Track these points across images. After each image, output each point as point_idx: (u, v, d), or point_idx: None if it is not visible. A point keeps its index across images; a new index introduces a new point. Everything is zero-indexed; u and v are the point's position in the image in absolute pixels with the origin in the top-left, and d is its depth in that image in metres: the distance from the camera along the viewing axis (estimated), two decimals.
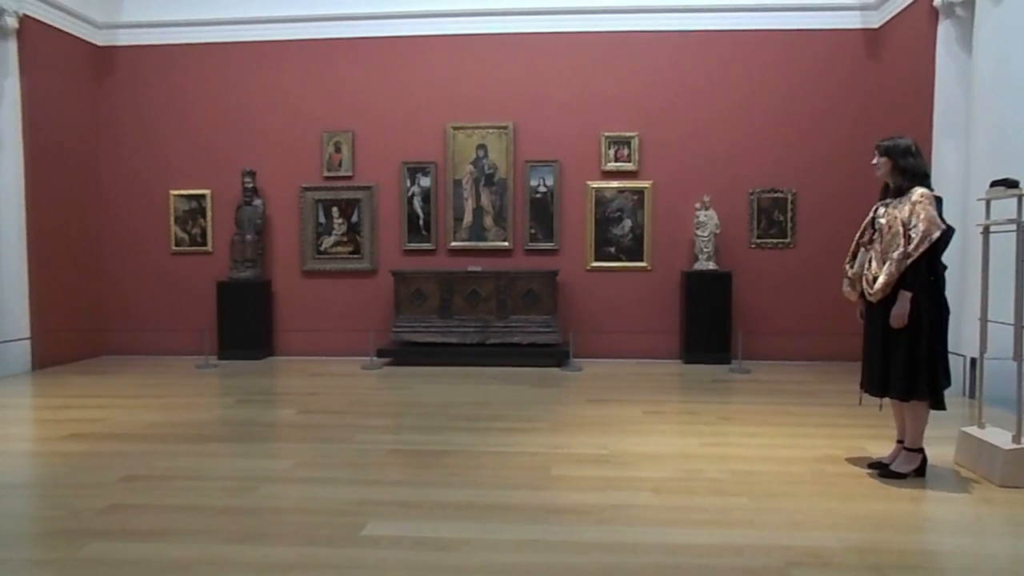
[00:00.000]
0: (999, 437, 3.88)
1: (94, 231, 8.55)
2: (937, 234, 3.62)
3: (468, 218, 8.27)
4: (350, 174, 8.37)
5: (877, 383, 3.90)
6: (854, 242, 4.05)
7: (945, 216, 3.74)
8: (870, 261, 3.89)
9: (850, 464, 4.13)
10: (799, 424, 5.15)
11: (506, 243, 8.24)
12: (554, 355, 7.61)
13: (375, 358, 7.73)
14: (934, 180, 3.93)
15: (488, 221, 8.26)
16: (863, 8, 7.81)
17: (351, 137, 8.35)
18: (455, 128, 8.22)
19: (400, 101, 8.27)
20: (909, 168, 3.80)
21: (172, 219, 8.56)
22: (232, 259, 8.27)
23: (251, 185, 8.26)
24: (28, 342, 7.52)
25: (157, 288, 8.59)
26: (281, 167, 8.40)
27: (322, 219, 8.42)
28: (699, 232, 7.78)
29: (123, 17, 8.50)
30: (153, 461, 4.26)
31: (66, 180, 8.07)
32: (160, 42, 8.47)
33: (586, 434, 4.86)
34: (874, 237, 3.89)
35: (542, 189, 8.20)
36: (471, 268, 7.96)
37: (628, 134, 8.07)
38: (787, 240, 8.01)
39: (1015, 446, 3.74)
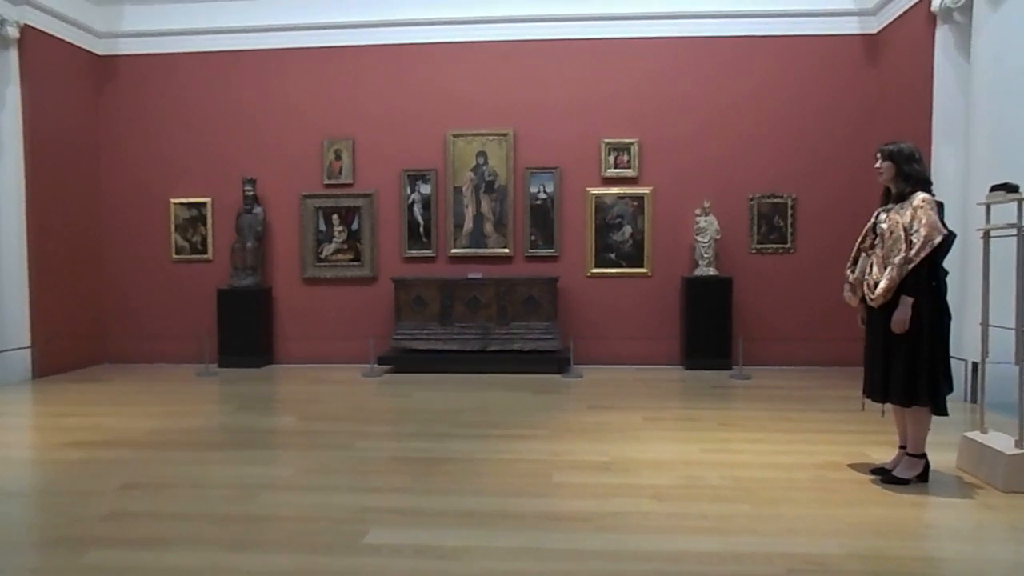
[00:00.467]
0: (1002, 442, 3.87)
1: (94, 239, 8.56)
2: (938, 239, 3.62)
3: (468, 225, 8.27)
4: (350, 181, 8.38)
5: (879, 389, 3.89)
6: (855, 247, 4.05)
7: (946, 221, 3.75)
8: (871, 266, 3.88)
9: (852, 470, 4.12)
10: (800, 430, 5.14)
11: (506, 250, 8.24)
12: (555, 361, 7.60)
13: (375, 365, 7.72)
14: (934, 185, 3.92)
15: (488, 228, 8.26)
16: (861, 14, 7.83)
17: (351, 144, 8.36)
18: (455, 135, 8.23)
19: (400, 108, 8.29)
20: (912, 174, 3.80)
21: (172, 227, 8.56)
22: (232, 266, 8.27)
23: (251, 193, 8.26)
24: (28, 350, 7.51)
25: (158, 296, 8.59)
26: (281, 175, 8.41)
27: (322, 226, 8.43)
28: (699, 238, 7.78)
29: (124, 26, 8.52)
30: (153, 469, 4.25)
31: (66, 188, 8.08)
32: (160, 51, 8.49)
33: (587, 441, 4.84)
34: (875, 242, 3.89)
35: (542, 196, 8.21)
36: (471, 275, 7.95)
37: (628, 140, 8.08)
38: (787, 245, 8.01)
39: (1018, 451, 3.73)
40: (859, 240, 4.03)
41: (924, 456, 3.87)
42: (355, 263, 8.41)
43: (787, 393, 6.55)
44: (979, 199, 4.17)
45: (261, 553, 3.03)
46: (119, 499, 3.72)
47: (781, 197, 8.00)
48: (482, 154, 8.23)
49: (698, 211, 7.82)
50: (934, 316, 3.72)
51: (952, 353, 3.91)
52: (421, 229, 8.32)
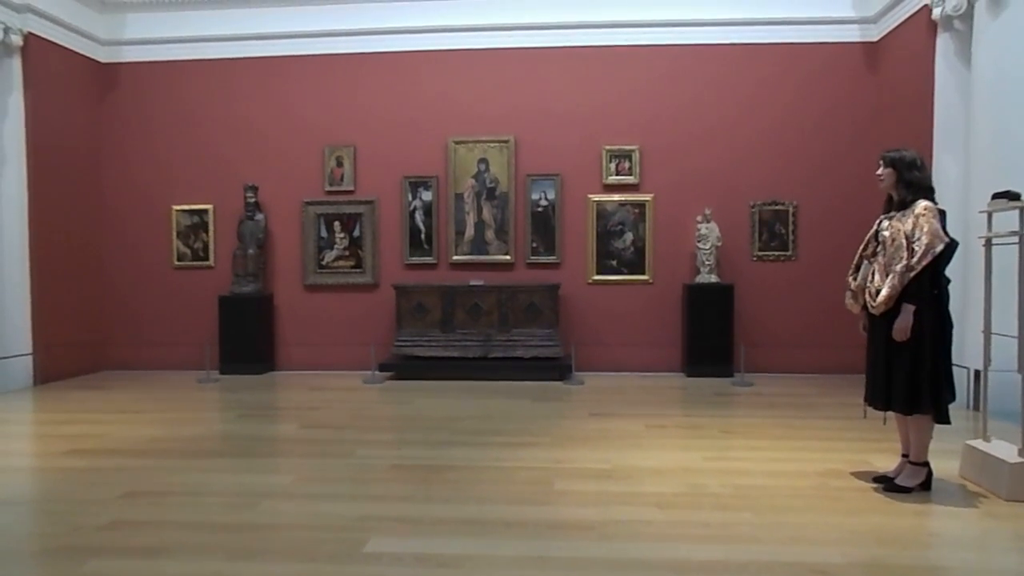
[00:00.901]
0: (1005, 450, 3.86)
1: (96, 246, 8.57)
2: (940, 247, 3.62)
3: (470, 232, 8.28)
4: (352, 188, 8.39)
5: (880, 397, 3.88)
6: (857, 254, 4.05)
7: (947, 229, 3.74)
8: (873, 274, 3.88)
9: (855, 478, 4.11)
10: (803, 438, 5.13)
11: (508, 256, 8.24)
12: (556, 368, 7.59)
13: (377, 372, 7.71)
14: (936, 193, 3.92)
15: (490, 235, 8.27)
16: (862, 22, 7.85)
17: (353, 151, 8.38)
18: (456, 142, 8.24)
19: (401, 115, 8.31)
20: (914, 181, 3.80)
21: (174, 234, 8.57)
22: (234, 273, 8.28)
23: (253, 199, 8.28)
24: (30, 357, 7.52)
25: (159, 303, 8.60)
26: (283, 182, 8.43)
27: (324, 233, 8.44)
28: (700, 245, 7.78)
29: (126, 34, 8.56)
30: (154, 477, 4.25)
31: (69, 195, 8.10)
32: (162, 58, 8.52)
33: (588, 448, 4.83)
34: (877, 250, 3.88)
35: (543, 202, 8.22)
36: (473, 282, 7.95)
37: (629, 147, 8.09)
38: (788, 252, 8.01)
39: (1021, 460, 3.72)
40: (861, 247, 4.03)
41: (927, 464, 3.86)
42: (356, 270, 8.41)
43: (789, 400, 6.54)
44: (981, 207, 4.18)
45: (262, 562, 3.02)
46: (120, 507, 3.72)
47: (782, 204, 8.00)
48: (483, 161, 8.24)
49: (699, 218, 7.83)
50: (936, 324, 3.71)
51: (954, 361, 3.91)
52: (422, 236, 8.33)
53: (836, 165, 7.91)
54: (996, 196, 3.88)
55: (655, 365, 8.04)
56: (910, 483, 3.83)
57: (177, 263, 8.59)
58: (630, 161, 8.10)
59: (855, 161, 7.71)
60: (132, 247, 8.63)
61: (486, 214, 8.26)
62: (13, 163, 7.44)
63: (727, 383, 7.37)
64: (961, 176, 6.25)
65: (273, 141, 8.45)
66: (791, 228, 8.00)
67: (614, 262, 8.16)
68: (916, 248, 3.64)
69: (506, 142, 8.20)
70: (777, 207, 8.01)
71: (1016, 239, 3.74)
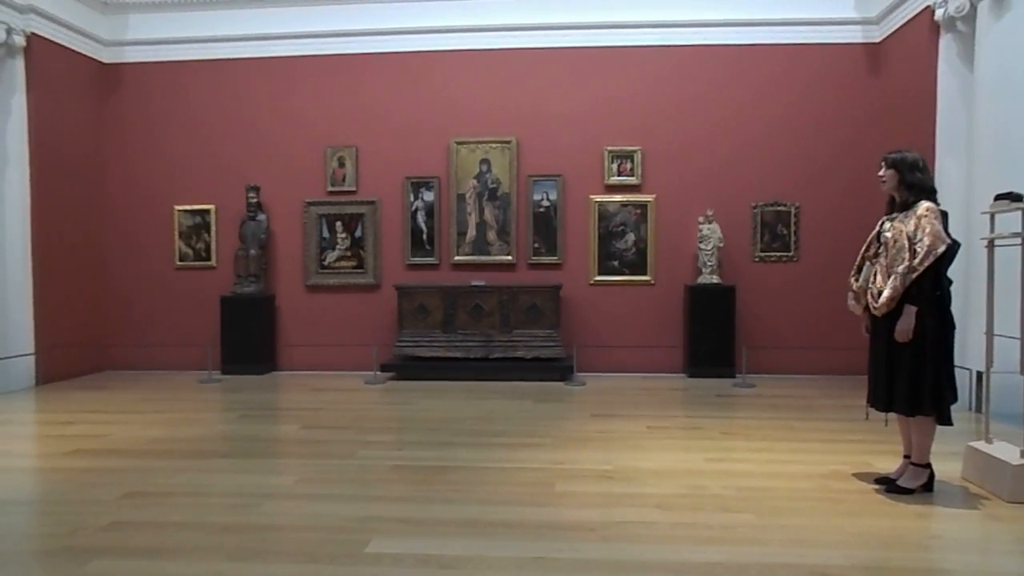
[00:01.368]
0: (1007, 452, 3.85)
1: (98, 247, 8.58)
2: (942, 248, 3.61)
3: (471, 232, 8.28)
4: (353, 189, 8.39)
5: (882, 398, 3.88)
6: (859, 256, 4.04)
7: (950, 230, 3.74)
8: (875, 275, 3.87)
9: (856, 480, 4.10)
10: (804, 439, 5.12)
11: (509, 257, 8.24)
12: (558, 369, 7.59)
13: (378, 373, 7.71)
14: (938, 194, 3.91)
15: (491, 235, 8.27)
16: (864, 23, 7.84)
17: (355, 152, 8.38)
18: (458, 143, 8.25)
19: (403, 116, 8.31)
20: (916, 183, 3.79)
21: (176, 234, 8.58)
22: (236, 274, 8.29)
23: (255, 200, 8.28)
24: (32, 358, 7.53)
25: (161, 303, 8.61)
26: (285, 182, 8.43)
27: (326, 234, 8.44)
28: (702, 246, 7.77)
29: (129, 35, 8.57)
30: (155, 477, 4.25)
31: (71, 196, 8.11)
32: (165, 59, 8.53)
33: (590, 450, 4.83)
34: (880, 251, 3.88)
35: (545, 203, 8.21)
36: (474, 282, 7.95)
37: (631, 148, 8.09)
38: (790, 254, 8.00)
39: (1023, 461, 3.71)
40: (863, 248, 4.02)
41: (929, 466, 3.85)
42: (358, 270, 8.41)
43: (791, 402, 6.53)
44: (983, 208, 4.17)
45: (263, 562, 3.02)
46: (121, 508, 3.72)
47: (784, 205, 8.00)
48: (485, 162, 8.24)
49: (701, 219, 7.82)
50: (938, 326, 3.70)
51: (956, 362, 3.89)
52: (424, 237, 8.33)
53: (838, 166, 7.90)
54: (998, 197, 3.88)
55: (656, 366, 8.03)
56: (912, 485, 3.83)
57: (179, 263, 8.60)
58: (632, 162, 8.10)
59: (857, 162, 7.70)
60: (134, 247, 8.64)
61: (488, 215, 8.26)
62: (16, 163, 7.45)
63: (729, 384, 7.37)
64: (963, 177, 6.24)
65: (275, 142, 8.46)
66: (793, 229, 8.00)
67: (616, 263, 8.15)
68: (918, 249, 3.64)
69: (508, 143, 8.20)
70: (779, 208, 8.01)
71: (1018, 240, 3.73)
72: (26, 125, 7.49)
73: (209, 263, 8.55)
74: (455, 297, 7.87)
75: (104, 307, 8.63)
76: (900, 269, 3.67)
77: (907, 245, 3.67)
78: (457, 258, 8.28)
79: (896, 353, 3.76)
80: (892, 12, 7.42)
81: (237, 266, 8.27)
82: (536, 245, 8.23)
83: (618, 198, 8.13)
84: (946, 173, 6.33)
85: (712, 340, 7.68)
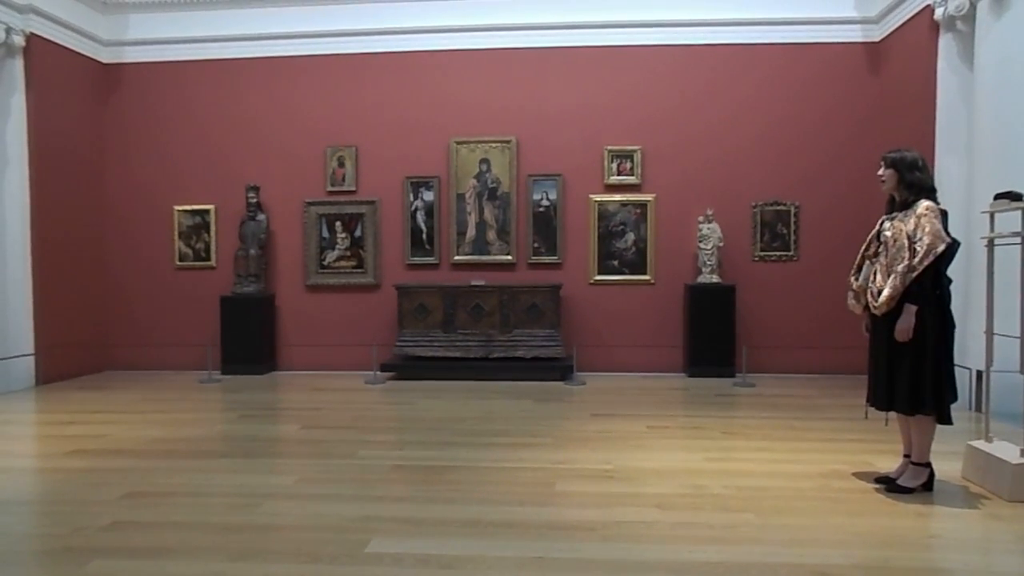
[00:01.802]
0: (1007, 451, 3.85)
1: (98, 247, 8.58)
2: (942, 248, 3.61)
3: (471, 232, 8.28)
4: (353, 189, 8.39)
5: (882, 397, 3.88)
6: (859, 255, 4.04)
7: (950, 229, 3.74)
8: (875, 274, 3.87)
9: (856, 479, 4.10)
10: (804, 439, 5.12)
11: (509, 257, 8.24)
12: (558, 369, 7.59)
13: (378, 372, 7.71)
14: (938, 193, 3.91)
15: (491, 235, 8.27)
16: (864, 22, 7.83)
17: (354, 152, 8.38)
18: (458, 143, 8.24)
19: (403, 116, 8.31)
20: (915, 182, 3.79)
21: (176, 234, 8.58)
22: (236, 274, 8.29)
23: (255, 200, 8.28)
24: (32, 358, 7.53)
25: (161, 303, 8.60)
26: (285, 182, 8.43)
27: (325, 234, 8.44)
28: (702, 245, 7.77)
29: (128, 35, 8.57)
30: (156, 477, 4.25)
31: (71, 196, 8.11)
32: (164, 59, 8.53)
33: (590, 449, 4.83)
34: (879, 250, 3.88)
35: (545, 203, 8.21)
36: (474, 282, 7.95)
37: (631, 148, 8.09)
38: (790, 253, 8.00)
39: (1023, 460, 3.71)
40: (863, 248, 4.02)
41: (929, 465, 3.85)
42: (358, 270, 8.41)
43: (791, 401, 6.53)
44: (983, 207, 4.17)
45: (263, 562, 3.02)
46: (122, 508, 3.72)
47: (784, 204, 8.00)
48: (485, 161, 8.24)
49: (701, 218, 7.82)
50: (938, 325, 3.70)
51: (956, 362, 3.90)
52: (424, 236, 8.33)
53: (838, 165, 7.90)
54: (998, 197, 3.88)
55: (657, 366, 8.03)
56: (912, 484, 3.83)
57: (179, 263, 8.60)
58: (632, 161, 8.09)
59: (857, 162, 7.70)
60: (134, 247, 8.64)
61: (488, 214, 8.26)
62: (15, 164, 7.45)
63: (729, 384, 7.37)
64: (963, 177, 6.24)
65: (275, 141, 8.45)
66: (793, 228, 8.00)
67: (616, 262, 8.15)
68: (918, 248, 3.64)
69: (508, 142, 8.20)
70: (779, 207, 8.00)
71: (1018, 240, 3.73)
72: (26, 125, 7.49)
73: (209, 263, 8.55)
74: (455, 297, 7.87)
75: (104, 307, 8.62)
76: (900, 268, 3.67)
77: (907, 244, 3.68)
78: (457, 258, 8.28)
79: (896, 352, 3.76)
80: (892, 11, 7.42)
81: (237, 266, 8.28)
82: (536, 245, 8.23)
83: (618, 198, 8.13)
84: (946, 172, 6.33)
85: (712, 339, 7.67)
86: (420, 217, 8.33)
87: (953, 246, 3.69)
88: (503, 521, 3.48)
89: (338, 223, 8.42)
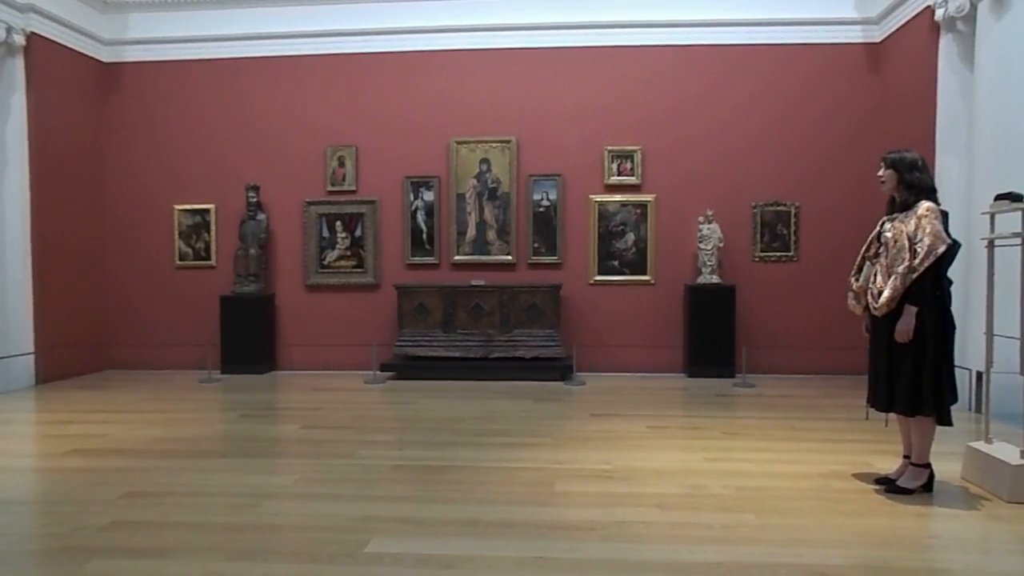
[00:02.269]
0: (1007, 452, 3.85)
1: (98, 246, 8.58)
2: (942, 249, 3.61)
3: (471, 232, 8.28)
4: (353, 188, 8.39)
5: (883, 398, 3.88)
6: (860, 255, 4.04)
7: (950, 230, 3.73)
8: (875, 275, 3.87)
9: (856, 480, 4.10)
10: (804, 439, 5.12)
11: (509, 257, 8.24)
12: (557, 369, 7.59)
13: (378, 372, 7.71)
14: (938, 194, 3.91)
15: (491, 235, 8.27)
16: (864, 23, 7.84)
17: (355, 152, 8.38)
18: (458, 142, 8.24)
19: (403, 116, 8.31)
20: (915, 183, 3.79)
21: (176, 233, 8.58)
22: (236, 273, 8.29)
23: (255, 199, 8.28)
24: (32, 357, 7.53)
25: (161, 302, 8.60)
26: (285, 182, 8.43)
27: (325, 233, 8.44)
28: (702, 246, 7.77)
29: (128, 34, 8.57)
30: (155, 477, 4.25)
31: (71, 195, 8.11)
32: (165, 58, 8.53)
33: (590, 449, 4.83)
34: (880, 251, 3.87)
35: (545, 203, 8.21)
36: (474, 282, 7.95)
37: (631, 148, 8.09)
38: (790, 253, 8.00)
39: (1023, 461, 3.71)
40: (863, 248, 4.02)
41: (928, 466, 3.85)
42: (358, 270, 8.41)
43: (791, 402, 6.53)
44: (983, 208, 4.17)
45: (263, 562, 3.02)
46: (121, 508, 3.72)
47: (784, 205, 8.00)
48: (485, 161, 8.24)
49: (701, 219, 7.82)
50: (938, 325, 3.70)
51: (956, 362, 3.89)
52: (424, 236, 8.33)
53: (838, 166, 7.90)
54: (999, 197, 3.88)
55: (656, 366, 8.03)
56: (912, 485, 3.83)
57: (179, 263, 8.59)
58: (632, 161, 8.09)
59: (857, 162, 7.70)
60: (134, 247, 8.64)
61: (488, 214, 8.26)
62: (15, 163, 7.45)
63: (728, 384, 7.37)
64: (963, 177, 6.24)
65: (275, 141, 8.45)
66: (793, 229, 7.99)
67: (616, 263, 8.15)
68: (918, 249, 3.63)
69: (508, 142, 8.20)
70: (779, 208, 8.00)
71: (1018, 240, 3.73)
72: (26, 124, 7.49)
73: (209, 263, 8.55)
74: (455, 297, 7.87)
75: (104, 306, 8.62)
76: (900, 269, 3.67)
77: (907, 245, 3.67)
78: (457, 258, 8.28)
79: (896, 353, 3.76)
80: (892, 12, 7.42)
81: (237, 266, 8.27)
82: (536, 245, 8.23)
83: (618, 198, 8.13)
84: (946, 173, 6.32)
85: (712, 340, 7.67)
86: (420, 217, 8.33)
87: (954, 247, 3.69)
88: (503, 521, 3.48)
89: (338, 223, 8.42)
